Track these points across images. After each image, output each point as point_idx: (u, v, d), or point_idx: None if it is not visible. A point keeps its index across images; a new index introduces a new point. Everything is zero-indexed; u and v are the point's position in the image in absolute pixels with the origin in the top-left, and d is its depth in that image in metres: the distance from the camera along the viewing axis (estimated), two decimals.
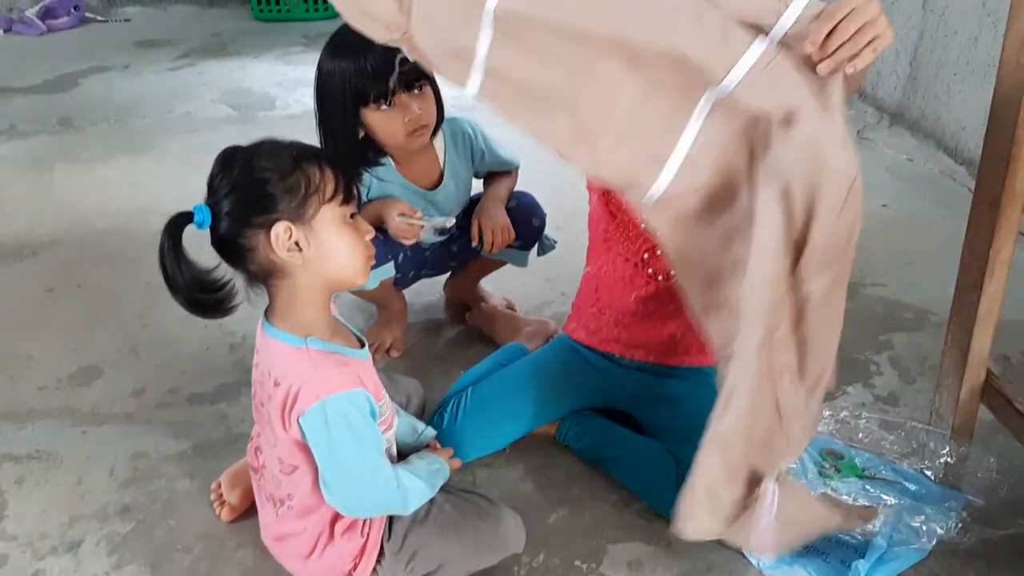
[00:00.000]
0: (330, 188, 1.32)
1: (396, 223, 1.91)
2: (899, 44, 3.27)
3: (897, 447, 1.74)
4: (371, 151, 1.98)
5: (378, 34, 1.26)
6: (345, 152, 1.91)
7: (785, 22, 1.14)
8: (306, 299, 1.37)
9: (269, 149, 1.33)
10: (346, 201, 1.34)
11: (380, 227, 1.96)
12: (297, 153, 1.32)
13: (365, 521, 1.46)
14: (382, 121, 1.88)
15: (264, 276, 1.36)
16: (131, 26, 5.03)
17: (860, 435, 1.79)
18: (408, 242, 1.95)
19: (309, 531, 1.45)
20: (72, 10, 5.05)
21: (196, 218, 1.30)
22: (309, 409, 1.32)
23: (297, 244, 1.30)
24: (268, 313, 1.41)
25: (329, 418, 1.32)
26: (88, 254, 2.58)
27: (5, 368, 2.11)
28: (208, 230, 1.32)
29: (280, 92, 3.90)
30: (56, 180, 3.09)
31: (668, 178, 1.26)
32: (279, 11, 5.01)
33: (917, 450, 1.71)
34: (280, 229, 1.29)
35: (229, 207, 1.30)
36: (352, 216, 1.36)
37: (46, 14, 4.99)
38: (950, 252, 2.46)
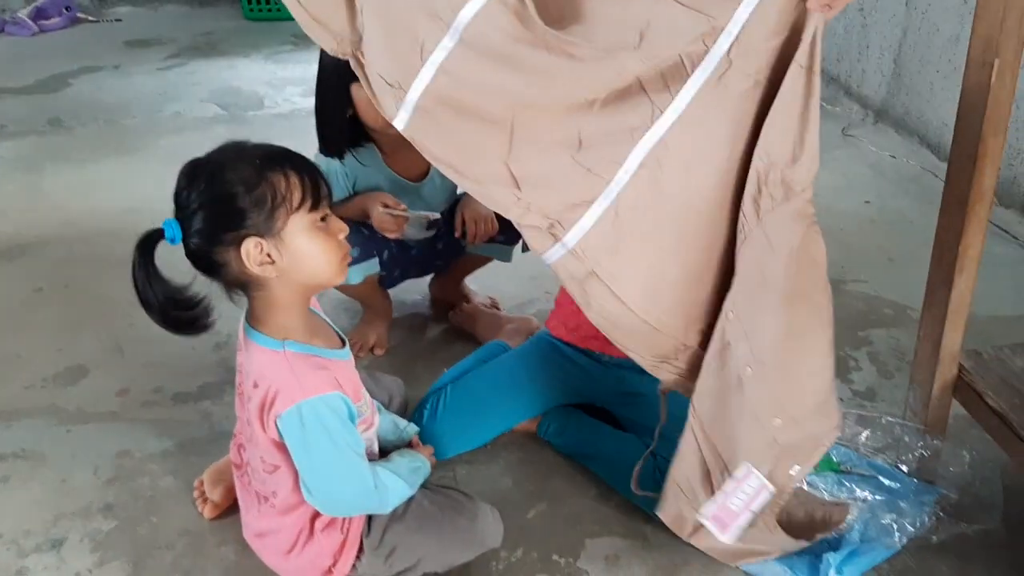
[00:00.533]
0: (297, 196, 1.30)
1: (379, 214, 1.92)
2: (883, 42, 3.29)
3: (873, 442, 1.75)
4: (360, 133, 1.98)
5: (327, 44, 1.28)
6: (336, 129, 1.92)
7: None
8: (283, 304, 1.38)
9: (233, 159, 1.31)
10: (315, 206, 1.33)
11: (365, 221, 1.98)
12: (261, 162, 1.30)
13: (345, 518, 1.48)
14: (366, 99, 1.90)
15: (240, 287, 1.37)
16: (122, 26, 5.03)
17: None
18: (392, 235, 1.95)
19: (289, 527, 1.47)
20: (64, 10, 5.05)
21: (167, 233, 1.31)
22: (285, 412, 1.33)
23: (269, 256, 1.30)
24: (247, 315, 1.42)
25: (305, 421, 1.33)
26: (76, 254, 2.60)
27: None
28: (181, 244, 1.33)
29: (269, 91, 3.91)
30: (46, 180, 3.10)
31: (587, 225, 1.30)
32: (269, 10, 5.02)
33: (892, 445, 1.73)
34: (250, 245, 1.29)
35: (198, 224, 1.30)
36: (324, 219, 1.35)
37: (38, 15, 4.99)
38: (930, 249, 2.50)
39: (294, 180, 1.31)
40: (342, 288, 2.09)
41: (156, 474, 1.79)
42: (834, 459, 1.74)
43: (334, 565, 1.48)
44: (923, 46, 3.07)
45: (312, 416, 1.33)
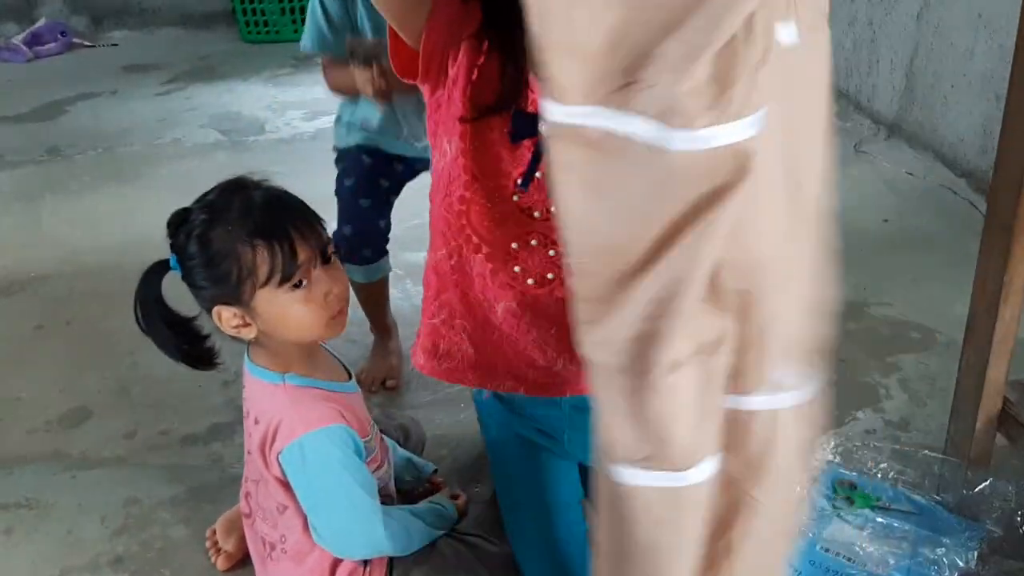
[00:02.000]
0: (263, 271, 1.24)
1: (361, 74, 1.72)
2: (894, 56, 3.25)
3: (911, 476, 1.69)
4: None
5: None
6: None
7: None
8: (279, 346, 1.34)
9: (209, 222, 1.26)
10: (285, 279, 1.25)
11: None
12: (233, 229, 1.24)
13: (366, 565, 1.41)
14: None
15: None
16: (118, 51, 4.98)
17: (872, 464, 1.74)
18: (378, 98, 1.75)
19: None
20: (59, 36, 5.00)
21: (172, 264, 1.30)
22: (286, 448, 1.29)
23: (244, 320, 1.28)
24: (248, 349, 1.37)
25: (307, 456, 1.29)
26: (77, 289, 2.53)
27: None
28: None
29: (270, 116, 3.85)
30: (44, 212, 3.04)
31: None
32: (267, 32, 4.96)
33: (932, 479, 1.67)
34: (222, 312, 1.28)
35: (183, 275, 1.30)
36: (300, 284, 1.27)
37: (33, 40, 4.94)
38: (954, 269, 2.45)
39: (263, 254, 1.23)
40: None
41: (166, 523, 1.72)
42: (871, 495, 1.68)
43: None
44: (936, 60, 3.02)
45: (314, 450, 1.29)
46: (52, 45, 4.94)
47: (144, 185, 3.22)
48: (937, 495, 1.64)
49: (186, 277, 1.30)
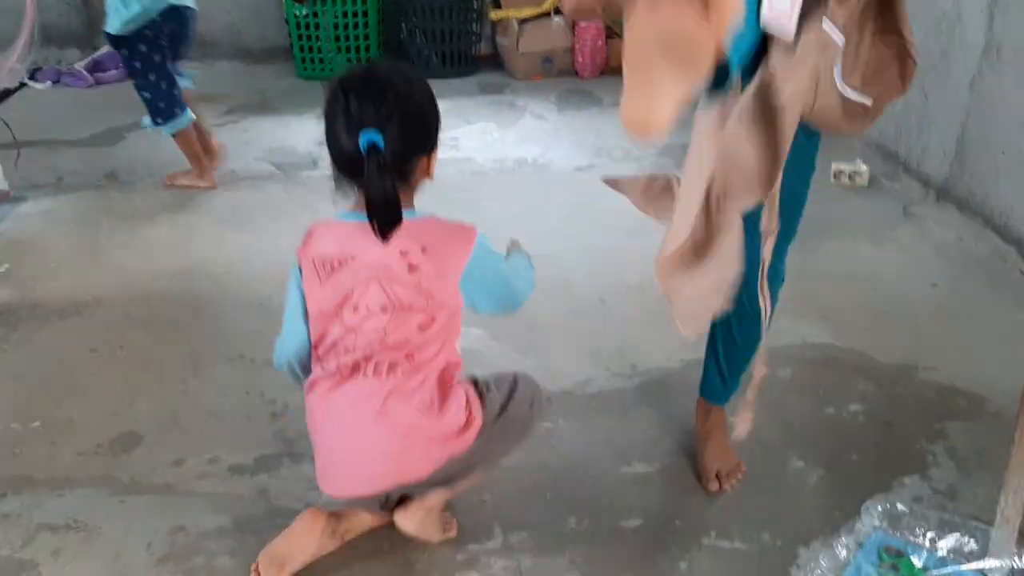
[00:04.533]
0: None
1: None
2: (945, 122, 3.25)
3: (959, 547, 1.67)
4: None
5: None
6: None
7: None
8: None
9: (408, 79, 1.56)
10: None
11: None
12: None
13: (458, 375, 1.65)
14: None
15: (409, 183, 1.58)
16: None
17: (919, 532, 1.73)
18: None
19: (429, 386, 1.56)
20: (120, 64, 5.13)
21: (375, 142, 1.47)
22: (474, 247, 1.56)
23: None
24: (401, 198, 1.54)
25: (489, 243, 1.60)
26: (131, 315, 2.58)
27: (46, 431, 2.10)
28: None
29: (322, 152, 3.89)
30: (101, 237, 3.11)
31: None
32: (322, 69, 5.07)
33: (981, 551, 1.65)
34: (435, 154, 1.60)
35: (397, 134, 1.50)
36: None
37: (95, 67, 5.08)
38: (1004, 337, 2.45)
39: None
40: None
41: (211, 552, 1.73)
42: (917, 564, 1.66)
43: (470, 417, 1.59)
44: (988, 128, 3.02)
45: (487, 240, 1.60)
46: (113, 72, 5.07)
47: (198, 214, 3.29)
48: (985, 567, 1.62)
49: (404, 136, 1.50)
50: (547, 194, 3.50)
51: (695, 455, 1.97)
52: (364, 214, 1.50)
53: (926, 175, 3.39)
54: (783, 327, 2.32)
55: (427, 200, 1.63)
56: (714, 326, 1.84)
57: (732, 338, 1.84)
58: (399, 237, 1.51)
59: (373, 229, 1.49)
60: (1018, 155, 2.87)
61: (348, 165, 1.52)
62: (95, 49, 5.24)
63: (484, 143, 4.04)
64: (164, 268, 2.85)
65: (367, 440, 1.55)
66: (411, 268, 1.53)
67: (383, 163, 1.46)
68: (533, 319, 2.47)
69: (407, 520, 1.67)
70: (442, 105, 1.60)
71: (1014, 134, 2.89)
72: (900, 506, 1.81)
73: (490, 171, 3.73)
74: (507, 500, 1.86)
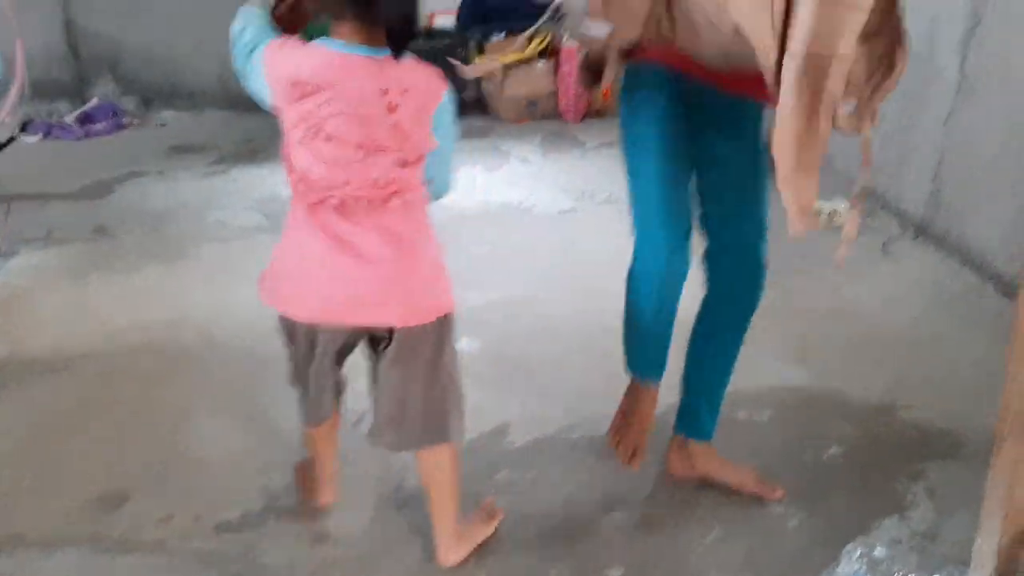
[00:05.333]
0: None
1: None
2: (921, 160, 3.31)
3: None
4: None
5: None
6: None
7: None
8: None
9: None
10: None
11: None
12: None
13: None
14: None
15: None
16: (166, 131, 5.17)
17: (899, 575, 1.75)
18: None
19: (415, 223, 1.63)
20: (111, 115, 5.20)
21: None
22: (444, 95, 1.59)
23: None
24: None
25: (450, 98, 1.61)
26: (120, 369, 2.61)
27: (36, 487, 2.11)
28: None
29: None
30: (90, 289, 3.14)
31: None
32: None
33: None
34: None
35: None
36: None
37: (85, 119, 5.14)
38: (981, 375, 2.47)
39: None
40: None
41: None
42: None
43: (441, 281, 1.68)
44: (963, 166, 3.09)
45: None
46: (103, 124, 5.14)
47: (187, 266, 3.32)
48: None
49: None
50: (532, 237, 3.55)
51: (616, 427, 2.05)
52: (353, 45, 1.51)
53: (904, 211, 3.45)
54: (761, 366, 2.36)
55: None
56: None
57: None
58: (383, 75, 1.51)
59: (388, 48, 1.51)
60: (996, 194, 2.93)
61: None
62: (85, 102, 5.32)
63: (470, 187, 4.09)
64: (152, 320, 2.87)
65: (329, 267, 1.61)
66: (391, 108, 1.53)
67: None
68: (516, 362, 2.50)
69: (449, 554, 1.81)
70: None
71: (989, 171, 2.95)
72: (880, 549, 1.84)
73: (475, 215, 3.78)
74: (490, 549, 1.88)
